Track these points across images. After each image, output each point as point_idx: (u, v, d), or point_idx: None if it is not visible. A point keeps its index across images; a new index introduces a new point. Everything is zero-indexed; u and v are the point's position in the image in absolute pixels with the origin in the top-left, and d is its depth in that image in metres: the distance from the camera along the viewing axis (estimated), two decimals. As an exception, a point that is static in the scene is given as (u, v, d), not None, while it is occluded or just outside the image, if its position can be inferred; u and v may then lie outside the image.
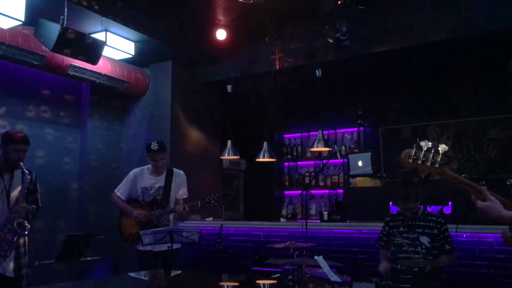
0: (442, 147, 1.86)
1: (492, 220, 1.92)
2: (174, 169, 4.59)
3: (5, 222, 3.58)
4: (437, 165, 1.85)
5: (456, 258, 3.78)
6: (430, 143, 1.87)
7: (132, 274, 3.72)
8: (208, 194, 4.46)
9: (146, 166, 4.59)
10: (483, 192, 1.90)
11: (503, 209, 1.89)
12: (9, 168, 3.72)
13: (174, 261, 4.19)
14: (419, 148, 1.87)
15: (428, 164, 1.86)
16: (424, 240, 3.65)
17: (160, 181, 4.48)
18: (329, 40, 5.26)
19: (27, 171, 3.70)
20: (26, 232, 3.64)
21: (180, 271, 3.87)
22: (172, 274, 3.53)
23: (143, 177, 4.53)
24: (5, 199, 3.65)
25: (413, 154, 1.88)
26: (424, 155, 1.86)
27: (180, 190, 4.53)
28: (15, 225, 3.57)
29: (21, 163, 3.69)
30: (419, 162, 1.87)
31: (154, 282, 3.64)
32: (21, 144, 3.70)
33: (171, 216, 4.47)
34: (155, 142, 4.43)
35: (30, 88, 5.72)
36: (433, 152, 1.86)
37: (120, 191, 4.55)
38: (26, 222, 3.64)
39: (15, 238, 3.60)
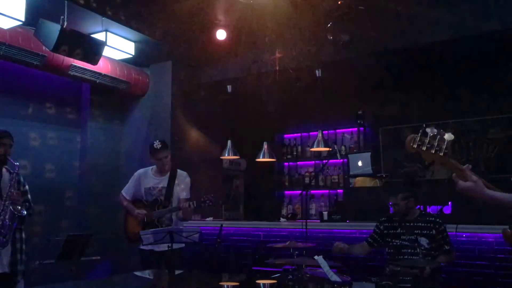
0: (448, 135, 1.81)
1: (474, 200, 1.89)
2: (178, 170, 4.60)
3: (0, 211, 3.66)
4: (441, 153, 1.80)
5: (455, 257, 3.78)
6: (436, 130, 1.81)
7: (137, 273, 3.74)
8: (206, 194, 4.45)
9: (151, 167, 4.62)
10: (466, 172, 1.86)
11: (486, 189, 1.85)
12: None
13: (177, 261, 4.20)
14: (425, 134, 1.81)
15: (433, 151, 1.80)
16: (423, 241, 3.65)
17: (163, 182, 4.49)
18: (329, 37, 5.26)
19: (15, 163, 3.79)
20: (24, 213, 3.75)
21: (181, 271, 3.89)
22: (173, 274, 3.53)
23: (146, 178, 4.56)
24: None
25: (418, 139, 1.82)
26: (429, 141, 1.81)
27: (183, 191, 4.53)
28: (11, 209, 3.67)
29: (8, 157, 3.79)
30: (424, 148, 1.81)
31: (154, 282, 3.64)
32: (5, 138, 3.80)
33: (173, 216, 4.47)
34: (157, 141, 4.46)
35: (30, 88, 5.73)
36: (438, 140, 1.80)
37: (125, 191, 4.61)
38: (19, 207, 3.74)
39: (13, 222, 3.70)
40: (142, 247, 4.24)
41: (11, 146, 3.86)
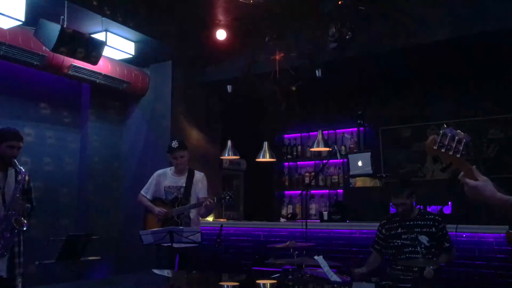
0: (465, 136, 1.77)
1: (482, 201, 1.83)
2: (195, 171, 4.79)
3: (2, 220, 3.57)
4: (458, 155, 1.76)
5: (455, 255, 3.79)
6: (455, 131, 1.78)
7: (156, 271, 3.79)
8: (213, 194, 4.59)
9: (170, 168, 4.81)
10: (475, 173, 1.82)
11: (496, 191, 1.81)
12: (2, 166, 3.72)
13: (194, 259, 4.38)
14: (444, 135, 1.77)
15: (451, 153, 1.76)
16: (423, 239, 3.66)
17: (181, 181, 4.68)
18: (330, 39, 5.26)
19: (22, 169, 3.74)
20: (24, 228, 3.65)
21: (194, 271, 3.94)
22: (175, 273, 3.55)
23: (166, 177, 4.76)
24: (1, 198, 3.64)
25: (438, 141, 1.77)
26: (448, 143, 1.77)
27: (200, 190, 4.70)
28: (13, 222, 3.58)
29: (15, 160, 3.72)
30: (443, 150, 1.77)
31: (154, 282, 3.63)
32: (15, 140, 3.73)
33: (192, 215, 4.62)
34: (175, 141, 4.70)
35: (30, 88, 5.72)
36: (456, 141, 1.77)
37: (145, 191, 4.79)
38: (23, 218, 3.66)
39: (14, 235, 3.61)
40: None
41: (19, 148, 3.75)
